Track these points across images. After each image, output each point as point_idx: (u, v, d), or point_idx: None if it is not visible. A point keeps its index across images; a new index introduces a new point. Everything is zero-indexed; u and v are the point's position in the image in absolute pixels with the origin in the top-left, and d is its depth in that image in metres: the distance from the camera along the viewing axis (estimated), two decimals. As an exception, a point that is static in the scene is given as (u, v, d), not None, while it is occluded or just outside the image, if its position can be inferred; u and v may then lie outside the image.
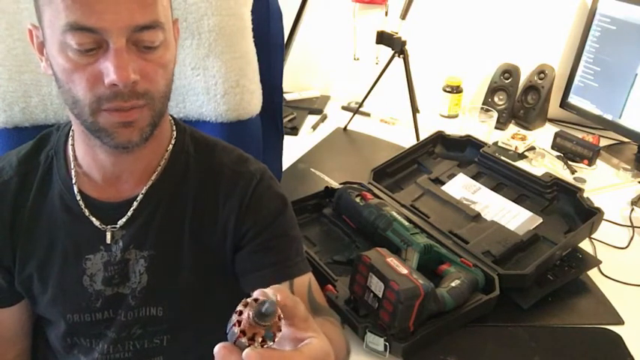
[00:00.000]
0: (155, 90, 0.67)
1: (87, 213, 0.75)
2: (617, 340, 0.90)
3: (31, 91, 0.90)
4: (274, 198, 0.81)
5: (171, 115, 0.83)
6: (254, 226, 0.78)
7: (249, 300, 0.46)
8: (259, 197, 0.79)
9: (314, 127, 1.64)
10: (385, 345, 0.84)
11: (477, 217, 1.12)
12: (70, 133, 0.78)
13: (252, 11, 0.95)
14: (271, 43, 1.03)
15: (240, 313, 0.46)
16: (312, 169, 1.37)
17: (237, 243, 0.79)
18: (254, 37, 0.97)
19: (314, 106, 1.75)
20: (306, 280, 0.82)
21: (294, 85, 1.80)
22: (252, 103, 0.98)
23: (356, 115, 1.64)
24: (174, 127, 0.80)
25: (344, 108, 1.76)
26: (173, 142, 0.79)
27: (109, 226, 0.75)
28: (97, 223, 0.75)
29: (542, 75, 1.62)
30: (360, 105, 1.63)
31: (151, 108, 0.67)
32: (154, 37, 0.64)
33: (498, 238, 1.05)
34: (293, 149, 1.48)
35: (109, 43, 0.61)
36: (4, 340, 0.83)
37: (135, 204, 0.75)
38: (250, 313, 0.45)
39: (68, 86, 0.64)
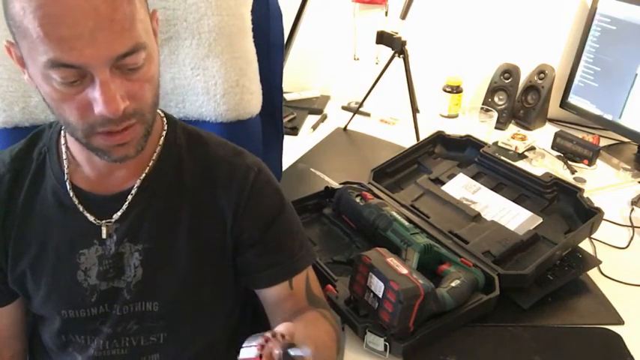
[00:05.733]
0: (145, 105, 0.67)
1: (81, 208, 0.75)
2: (617, 340, 0.90)
3: (31, 90, 0.90)
4: (273, 193, 0.81)
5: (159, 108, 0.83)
6: (255, 223, 0.78)
7: (277, 332, 0.52)
8: (259, 191, 0.79)
9: (314, 127, 1.64)
10: (385, 345, 0.84)
11: (477, 217, 1.12)
12: (62, 130, 0.77)
13: (252, 11, 0.95)
14: (271, 43, 1.03)
15: (267, 340, 0.51)
16: (312, 169, 1.37)
17: (237, 238, 0.78)
18: (254, 37, 0.97)
19: (314, 106, 1.75)
20: (305, 273, 0.82)
21: (294, 85, 1.79)
22: (252, 103, 0.98)
23: (356, 115, 1.64)
24: (164, 120, 0.80)
25: (344, 108, 1.76)
26: (164, 133, 0.79)
27: (104, 221, 0.75)
28: (91, 218, 0.75)
29: (542, 75, 1.62)
30: (360, 105, 1.63)
31: (142, 122, 0.67)
32: (137, 59, 0.62)
33: (498, 238, 1.05)
34: (293, 149, 1.48)
35: (93, 75, 0.60)
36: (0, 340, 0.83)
37: (129, 197, 0.75)
38: (278, 351, 0.50)
39: (58, 112, 0.64)
